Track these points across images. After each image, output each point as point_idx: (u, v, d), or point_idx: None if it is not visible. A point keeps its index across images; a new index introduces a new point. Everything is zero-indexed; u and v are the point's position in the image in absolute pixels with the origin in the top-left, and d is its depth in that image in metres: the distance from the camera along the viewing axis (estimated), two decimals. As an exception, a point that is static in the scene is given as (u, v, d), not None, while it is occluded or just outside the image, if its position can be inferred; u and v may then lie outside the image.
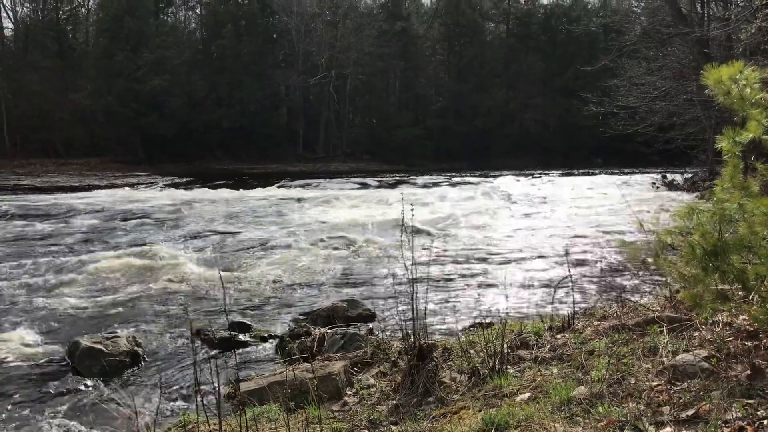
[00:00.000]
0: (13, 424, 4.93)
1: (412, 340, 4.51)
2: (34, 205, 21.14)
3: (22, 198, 24.32)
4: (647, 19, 31.45)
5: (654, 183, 28.85)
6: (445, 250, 12.16)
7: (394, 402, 4.21)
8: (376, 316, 7.42)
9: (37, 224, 16.23)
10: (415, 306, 4.50)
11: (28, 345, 6.67)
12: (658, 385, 3.46)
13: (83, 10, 62.18)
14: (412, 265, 4.50)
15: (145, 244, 12.64)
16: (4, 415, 5.11)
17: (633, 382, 3.56)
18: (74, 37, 61.18)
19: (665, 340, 4.05)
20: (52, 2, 58.33)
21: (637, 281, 7.88)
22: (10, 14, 58.58)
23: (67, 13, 60.32)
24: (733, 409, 3.01)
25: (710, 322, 4.21)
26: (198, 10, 64.90)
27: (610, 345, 4.28)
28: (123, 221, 17.04)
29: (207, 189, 27.96)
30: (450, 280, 9.56)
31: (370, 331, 6.54)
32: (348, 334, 6.23)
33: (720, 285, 3.74)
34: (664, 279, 5.38)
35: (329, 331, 6.45)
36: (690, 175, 29.08)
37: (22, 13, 59.59)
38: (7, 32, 58.15)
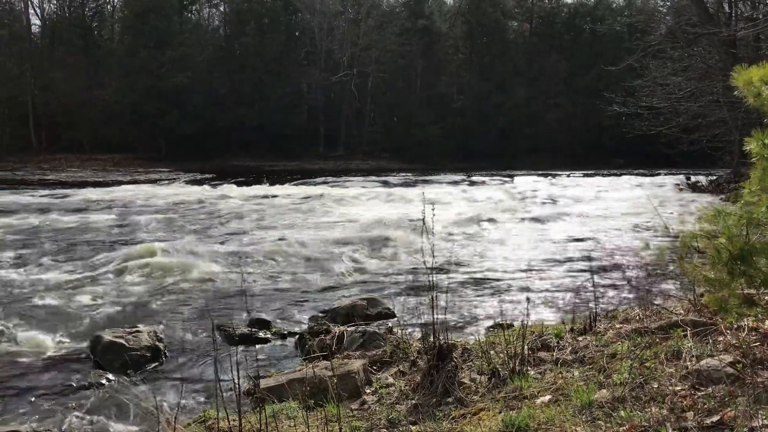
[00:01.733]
0: (36, 416, 4.98)
1: (432, 339, 4.50)
2: (57, 201, 21.43)
3: (45, 193, 24.65)
4: (673, 18, 31.09)
5: (678, 184, 28.52)
6: (466, 250, 12.11)
7: (413, 402, 4.20)
8: (395, 315, 7.40)
9: (60, 218, 16.43)
10: (434, 305, 4.49)
11: (51, 338, 6.75)
12: (682, 390, 3.41)
13: (108, 7, 62.88)
14: (431, 264, 4.48)
15: (165, 240, 12.73)
16: (28, 408, 5.17)
17: (656, 386, 3.51)
18: (99, 34, 61.90)
19: (689, 345, 3.99)
20: (78, -1, 59.07)
21: (660, 284, 7.79)
22: (38, 11, 59.41)
23: (92, 10, 61.02)
24: (760, 416, 2.96)
25: (735, 326, 4.15)
26: (221, 8, 65.30)
27: (633, 348, 4.24)
28: (144, 217, 17.18)
29: (227, 185, 28.12)
30: (470, 279, 9.51)
31: (390, 330, 6.53)
32: (367, 333, 6.23)
33: (746, 289, 3.68)
34: (687, 282, 5.31)
35: (349, 329, 6.45)
36: (715, 177, 28.70)
37: (49, 11, 60.45)
38: (35, 29, 58.98)
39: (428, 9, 63.76)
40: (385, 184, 31.55)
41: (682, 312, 4.93)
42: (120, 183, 31.27)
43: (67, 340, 6.75)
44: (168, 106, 50.97)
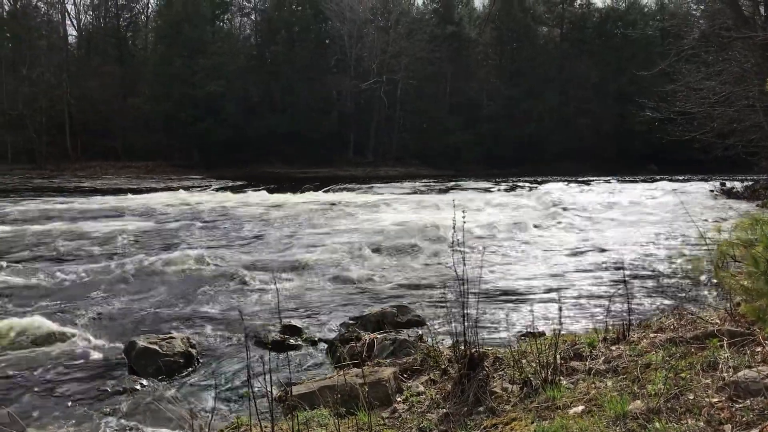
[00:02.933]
0: (72, 421, 5.08)
1: (463, 348, 4.47)
2: (92, 207, 21.81)
3: (81, 199, 25.11)
4: (706, 22, 30.58)
5: (712, 190, 28.03)
6: (496, 257, 12.05)
7: (444, 410, 4.18)
8: (425, 323, 7.39)
9: (95, 225, 16.72)
10: (465, 313, 4.47)
11: (87, 343, 6.88)
12: (719, 401, 3.35)
13: (143, 17, 64.02)
14: (462, 271, 4.47)
15: (198, 248, 12.89)
16: (64, 412, 5.27)
17: (692, 397, 3.45)
18: (134, 43, 63.05)
19: (726, 355, 3.92)
20: (114, 10, 60.20)
21: (695, 293, 7.66)
22: (74, 22, 60.73)
23: (127, 20, 62.18)
24: (799, 429, 2.89)
25: (774, 337, 4.06)
26: (253, 17, 66.08)
27: (667, 358, 4.17)
28: (177, 223, 17.42)
29: (259, 192, 28.37)
30: (501, 287, 9.46)
31: (420, 338, 6.51)
32: (398, 340, 6.22)
33: (785, 299, 3.61)
34: (723, 291, 5.22)
35: (379, 336, 6.46)
36: (750, 183, 28.14)
37: (85, 21, 61.74)
38: (71, 39, 60.28)
39: (457, 15, 63.75)
40: (415, 190, 31.54)
41: (718, 321, 4.84)
42: (154, 190, 31.75)
43: (103, 345, 6.87)
44: (201, 113, 51.69)
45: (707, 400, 3.38)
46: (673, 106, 28.18)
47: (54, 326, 7.33)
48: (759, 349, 3.97)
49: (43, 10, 57.88)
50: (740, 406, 3.26)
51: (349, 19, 57.75)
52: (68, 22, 59.69)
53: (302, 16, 58.01)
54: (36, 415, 5.20)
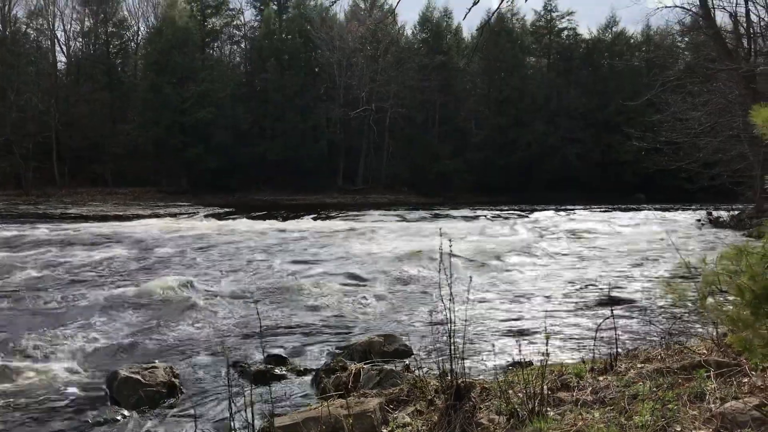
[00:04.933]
0: (51, 453, 4.96)
1: (449, 378, 4.42)
2: (77, 234, 21.64)
3: (66, 227, 24.92)
4: (691, 54, 31.11)
5: (699, 220, 28.23)
6: (484, 286, 12.02)
7: (430, 442, 4.12)
8: (412, 352, 7.32)
9: (78, 253, 16.57)
10: (452, 343, 4.43)
11: (67, 373, 6.75)
12: (706, 433, 3.32)
13: (132, 44, 64.32)
14: (449, 300, 4.44)
15: (182, 275, 12.77)
16: (42, 443, 5.16)
17: (679, 429, 3.42)
18: (123, 70, 63.27)
19: (713, 386, 3.90)
20: (103, 37, 60.45)
21: (681, 323, 7.65)
22: (64, 49, 60.92)
23: (117, 47, 62.47)
24: (787, 462, 2.86)
25: (761, 367, 4.04)
26: (242, 45, 66.57)
27: (655, 389, 4.14)
28: (161, 250, 17.29)
29: (246, 220, 28.28)
30: (488, 316, 9.42)
31: (407, 368, 6.45)
32: (384, 370, 6.15)
33: (771, 330, 3.59)
34: (710, 321, 5.21)
35: (365, 366, 6.38)
36: (736, 212, 28.38)
37: (75, 48, 61.95)
38: (60, 66, 60.39)
39: (446, 45, 64.48)
40: (403, 218, 31.56)
41: (705, 352, 4.83)
42: (140, 217, 31.59)
43: (84, 375, 6.75)
44: (190, 140, 51.79)
45: (694, 431, 3.35)
46: (660, 136, 28.53)
47: (34, 356, 7.21)
48: (746, 379, 3.96)
49: (32, 36, 58.09)
50: (728, 438, 3.23)
51: (338, 48, 58.27)
52: (58, 48, 59.99)
53: (292, 45, 58.50)
54: (13, 447, 5.09)
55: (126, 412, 5.73)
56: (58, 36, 59.98)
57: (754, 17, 27.70)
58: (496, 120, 61.41)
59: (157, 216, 32.00)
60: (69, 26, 61.06)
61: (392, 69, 59.29)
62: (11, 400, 6.01)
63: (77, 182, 51.28)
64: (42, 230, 22.49)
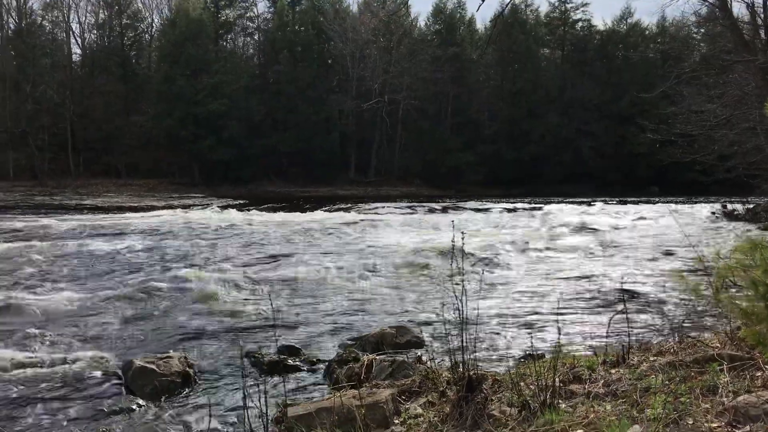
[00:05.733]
0: (68, 441, 5.03)
1: (461, 370, 4.44)
2: (92, 225, 21.81)
3: (82, 217, 25.13)
4: (707, 45, 30.80)
5: (714, 213, 28.03)
6: (496, 278, 12.02)
7: (442, 433, 4.14)
8: (424, 344, 7.35)
9: (94, 243, 16.71)
10: (464, 335, 4.44)
11: (84, 363, 6.83)
12: (718, 427, 3.31)
13: (146, 36, 64.54)
14: (461, 292, 4.45)
15: (196, 266, 12.86)
16: None
17: (691, 422, 3.42)
18: (137, 62, 63.53)
19: (725, 379, 3.89)
20: (118, 29, 60.70)
21: (695, 316, 7.63)
22: (78, 41, 61.23)
23: (131, 39, 62.68)
24: (800, 456, 2.86)
25: (774, 361, 4.03)
26: (256, 37, 66.61)
27: (667, 382, 4.14)
28: (176, 242, 17.40)
29: (260, 212, 28.38)
30: (500, 309, 9.42)
31: (419, 359, 6.47)
32: (396, 362, 6.18)
33: (785, 324, 3.59)
34: (723, 315, 5.19)
35: (377, 357, 6.41)
36: (752, 206, 28.14)
37: (90, 40, 62.27)
38: (75, 58, 60.74)
39: (459, 37, 64.23)
40: (416, 210, 31.55)
41: (719, 345, 4.82)
42: (155, 208, 31.78)
43: (100, 364, 6.82)
44: (203, 132, 51.93)
45: (707, 425, 3.35)
46: (674, 128, 28.26)
47: (49, 346, 7.30)
48: (759, 373, 3.94)
49: (47, 28, 58.42)
50: (740, 431, 3.23)
51: (351, 40, 58.18)
52: (73, 40, 60.29)
53: (305, 37, 58.48)
54: (32, 435, 5.16)
55: (141, 401, 5.80)
56: (73, 28, 60.41)
57: (771, 8, 27.34)
58: (509, 112, 61.15)
59: (171, 207, 32.17)
60: (84, 18, 61.50)
61: (405, 61, 59.13)
62: (28, 389, 6.09)
63: (91, 173, 51.65)
64: (57, 221, 22.67)
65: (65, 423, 5.38)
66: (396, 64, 58.94)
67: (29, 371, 6.51)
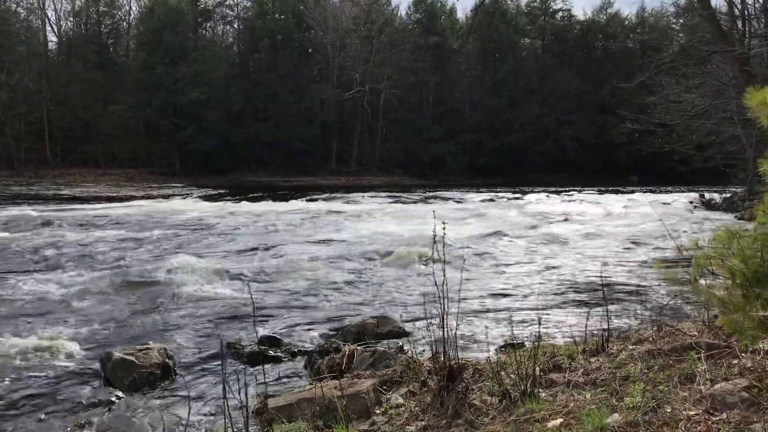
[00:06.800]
0: (46, 434, 4.98)
1: (442, 359, 4.45)
2: (70, 215, 21.57)
3: (59, 208, 24.83)
4: (686, 36, 31.01)
5: (692, 202, 28.35)
6: (477, 268, 12.06)
7: (423, 423, 4.15)
8: (406, 334, 7.36)
9: (71, 235, 16.52)
10: (445, 325, 4.45)
11: (62, 355, 6.76)
12: (696, 414, 3.35)
13: (124, 24, 63.70)
14: (442, 282, 4.45)
15: (176, 256, 12.75)
16: (39, 425, 5.17)
17: (669, 410, 3.45)
18: (115, 50, 62.68)
19: (703, 368, 3.93)
20: (95, 16, 59.83)
21: (673, 305, 7.71)
22: (55, 29, 60.28)
23: (108, 26, 61.82)
24: (776, 443, 2.90)
25: (751, 350, 4.08)
26: (235, 25, 66.03)
27: (646, 371, 4.18)
28: (155, 232, 17.25)
29: (240, 202, 28.23)
30: (482, 298, 9.46)
31: (400, 349, 6.48)
32: (378, 352, 6.18)
33: (762, 312, 3.62)
34: (701, 303, 5.25)
35: (359, 348, 6.41)
36: (729, 195, 28.51)
37: (66, 28, 61.32)
38: (51, 46, 59.80)
39: (440, 26, 64.13)
40: (397, 200, 31.55)
41: (696, 334, 4.87)
42: (133, 198, 31.49)
43: (78, 357, 6.76)
44: (183, 121, 51.42)
45: (684, 413, 3.38)
46: (653, 118, 28.52)
47: (27, 338, 7.22)
48: (735, 361, 3.99)
49: (22, 15, 57.40)
50: (717, 419, 3.27)
51: (332, 28, 57.88)
52: (48, 28, 59.33)
53: (285, 25, 58.06)
54: (10, 429, 5.10)
55: (120, 394, 5.75)
56: (49, 15, 59.43)
57: (749, -1, 27.62)
58: (491, 102, 61.27)
59: (150, 197, 31.90)
60: (59, 5, 60.53)
61: (386, 50, 58.95)
62: (6, 381, 6.02)
63: (69, 163, 50.97)
64: (34, 211, 22.37)
65: (43, 416, 5.33)
66: (377, 54, 58.74)
67: (4, 364, 6.42)
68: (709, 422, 3.24)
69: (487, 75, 63.88)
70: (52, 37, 60.19)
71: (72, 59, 57.60)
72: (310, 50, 60.58)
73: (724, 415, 3.28)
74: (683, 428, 3.21)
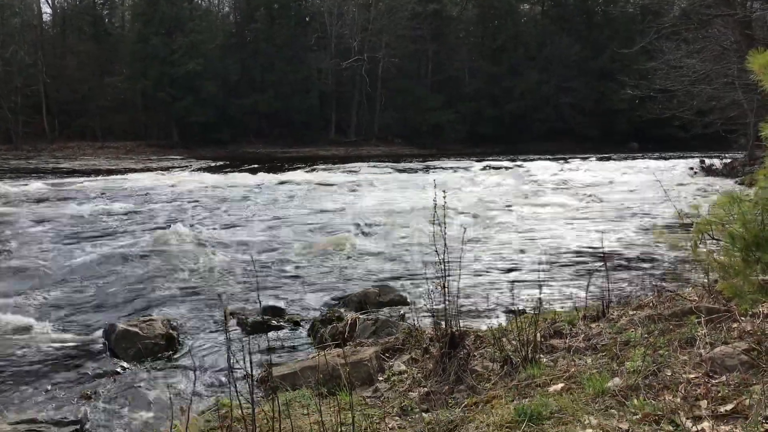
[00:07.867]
0: (53, 405, 5.04)
1: (444, 326, 4.49)
2: (70, 188, 21.56)
3: (59, 181, 24.80)
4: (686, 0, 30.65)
5: (692, 168, 28.29)
6: (478, 237, 12.09)
7: (426, 389, 4.20)
8: (408, 302, 7.41)
9: (73, 207, 16.55)
10: (446, 292, 4.48)
11: (66, 326, 6.82)
12: (696, 378, 3.39)
13: (119, -6, 62.86)
14: (443, 251, 4.47)
15: (179, 227, 12.77)
16: (44, 396, 5.23)
17: (669, 374, 3.49)
18: (110, 21, 61.97)
19: (703, 332, 3.97)
20: (89, -14, 59.05)
21: (673, 270, 7.74)
22: (48, 0, 59.51)
23: (103, -3, 61.03)
24: (774, 404, 2.93)
25: (750, 313, 4.12)
26: (231, -6, 65.17)
27: (646, 335, 4.21)
28: (156, 204, 17.27)
29: (240, 173, 28.18)
30: (482, 266, 9.50)
31: (402, 317, 6.54)
32: (380, 320, 6.24)
33: (761, 276, 3.64)
34: (701, 268, 5.27)
35: (361, 316, 6.47)
36: (729, 160, 28.44)
37: (60, -1, 60.50)
38: (46, 18, 59.11)
39: (439, -8, 63.29)
40: (397, 170, 31.50)
41: (696, 299, 4.90)
42: (132, 171, 31.44)
43: (82, 328, 6.81)
44: (180, 92, 51.00)
45: (684, 376, 3.42)
46: (654, 84, 28.31)
47: (32, 311, 7.27)
48: (735, 325, 4.03)
49: (16, -13, 56.63)
50: (716, 381, 3.30)
51: (329, -5, 57.18)
52: (42, 0, 58.52)
53: (282, -7, 57.29)
54: (16, 400, 5.16)
55: (125, 364, 5.81)
56: (43, -14, 58.52)
57: (751, -39, 27.21)
58: (490, 69, 60.71)
59: (150, 170, 31.84)
60: (53, -24, 59.55)
61: (384, 17, 58.28)
62: (9, 355, 6.07)
63: (67, 136, 50.72)
64: (35, 185, 22.34)
65: (49, 387, 5.38)
66: (375, 21, 58.08)
67: (10, 337, 6.48)
68: (709, 385, 3.28)
69: (486, 42, 63.22)
70: (46, 9, 59.46)
71: (67, 31, 56.99)
72: (307, 18, 59.85)
73: (724, 378, 3.32)
74: (683, 391, 3.25)
